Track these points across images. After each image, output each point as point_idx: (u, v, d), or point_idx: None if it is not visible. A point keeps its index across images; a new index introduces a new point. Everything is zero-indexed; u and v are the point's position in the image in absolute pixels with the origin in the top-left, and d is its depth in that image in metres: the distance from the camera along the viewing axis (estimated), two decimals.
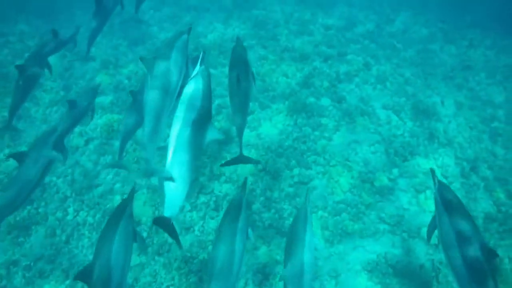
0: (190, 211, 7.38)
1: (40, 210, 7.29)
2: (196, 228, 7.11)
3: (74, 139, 8.83)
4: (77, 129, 8.88)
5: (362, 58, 10.92)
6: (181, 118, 4.32)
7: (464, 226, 4.24)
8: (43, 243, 6.81)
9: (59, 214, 7.25)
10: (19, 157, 5.69)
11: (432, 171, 5.15)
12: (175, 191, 4.08)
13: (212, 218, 7.20)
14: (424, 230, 7.05)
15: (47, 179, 7.65)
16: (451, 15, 14.12)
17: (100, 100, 9.63)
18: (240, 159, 5.39)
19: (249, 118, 8.97)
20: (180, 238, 6.95)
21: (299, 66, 10.39)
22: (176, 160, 4.13)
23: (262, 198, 7.48)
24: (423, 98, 10.13)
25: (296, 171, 7.87)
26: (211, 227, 7.08)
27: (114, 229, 4.35)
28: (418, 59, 11.81)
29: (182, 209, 6.32)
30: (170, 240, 6.93)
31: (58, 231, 6.99)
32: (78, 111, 6.97)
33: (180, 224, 7.19)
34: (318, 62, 10.63)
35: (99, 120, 9.31)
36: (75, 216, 7.25)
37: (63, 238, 6.91)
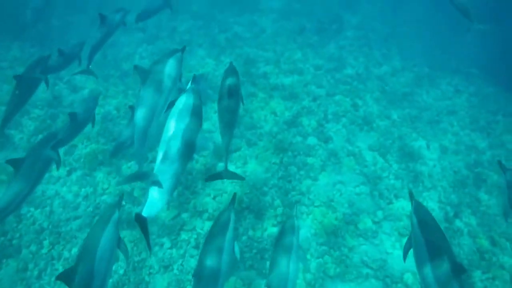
0: (170, 248, 7.22)
1: (14, 242, 7.07)
2: (175, 266, 6.94)
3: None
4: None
5: (350, 99, 11.08)
6: (171, 128, 4.60)
7: (436, 243, 4.45)
8: (13, 278, 6.55)
9: (33, 247, 7.03)
10: (16, 163, 5.70)
11: (410, 192, 5.37)
12: (157, 195, 4.33)
13: (192, 257, 7.04)
14: (407, 276, 7.01)
15: (23, 209, 7.49)
16: (437, 60, 14.49)
17: (85, 130, 9.55)
18: (225, 174, 5.48)
19: (235, 155, 8.98)
20: (158, 276, 6.83)
21: (288, 105, 10.50)
22: (163, 167, 4.40)
23: (244, 237, 7.36)
24: (409, 141, 10.23)
25: (279, 210, 7.79)
26: (191, 265, 6.90)
27: (100, 234, 4.43)
28: (405, 102, 11.99)
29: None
30: (147, 278, 6.75)
31: (30, 265, 6.75)
32: (80, 120, 7.27)
33: (159, 261, 7.01)
34: (307, 101, 10.75)
35: (84, 150, 9.22)
36: (50, 250, 7.03)
37: (35, 273, 6.67)
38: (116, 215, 4.70)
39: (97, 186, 8.36)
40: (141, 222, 4.07)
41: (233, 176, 5.72)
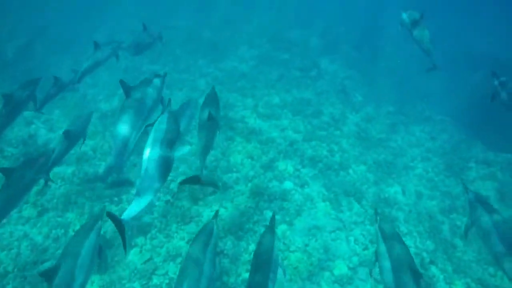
0: None
1: None
2: None
3: (27, 208, 8.50)
4: (31, 199, 8.63)
5: (326, 144, 11.26)
6: (151, 143, 5.20)
7: (397, 252, 5.03)
8: None
9: None
10: (6, 172, 5.99)
11: (375, 210, 6.06)
12: (138, 201, 4.84)
13: None
14: None
15: None
16: (410, 107, 14.99)
17: (60, 170, 9.44)
18: (200, 179, 5.69)
19: (210, 198, 8.92)
20: None
21: (265, 149, 10.60)
22: (146, 178, 4.93)
23: (218, 283, 7.18)
24: (384, 187, 10.36)
25: None
26: None
27: (83, 240, 4.74)
28: (380, 148, 12.23)
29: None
30: None
31: None
32: (72, 138, 7.80)
33: None
34: (284, 146, 10.87)
35: (57, 191, 9.04)
36: None
37: None
38: (99, 224, 5.05)
39: (69, 227, 8.15)
40: (119, 227, 4.45)
41: (210, 182, 6.25)
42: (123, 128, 5.87)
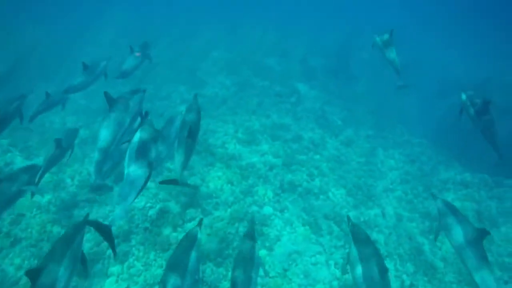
0: None
1: None
2: None
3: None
4: (5, 228, 8.40)
5: (306, 168, 11.32)
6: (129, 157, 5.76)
7: (366, 251, 5.37)
8: None
9: None
10: None
11: (348, 217, 6.43)
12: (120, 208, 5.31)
13: None
14: None
15: None
16: (389, 130, 15.24)
17: (36, 198, 9.24)
18: (178, 181, 6.09)
19: (189, 224, 8.82)
20: None
21: (245, 174, 10.59)
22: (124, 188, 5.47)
23: None
24: (364, 210, 10.42)
25: None
26: None
27: (68, 245, 4.89)
28: (360, 171, 12.36)
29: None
30: None
31: None
32: (59, 150, 8.16)
33: None
34: (264, 171, 10.90)
35: (32, 220, 8.82)
36: None
37: None
38: (83, 232, 5.24)
39: (41, 258, 7.91)
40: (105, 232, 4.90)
41: (186, 184, 6.81)
42: (105, 141, 6.40)
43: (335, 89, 18.47)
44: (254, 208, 9.49)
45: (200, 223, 5.93)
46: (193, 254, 5.24)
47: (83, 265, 5.21)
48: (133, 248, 8.20)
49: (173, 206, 9.25)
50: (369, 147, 13.85)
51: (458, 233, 6.36)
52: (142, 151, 5.76)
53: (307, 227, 9.11)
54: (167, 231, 8.61)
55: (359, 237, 5.70)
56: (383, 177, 12.42)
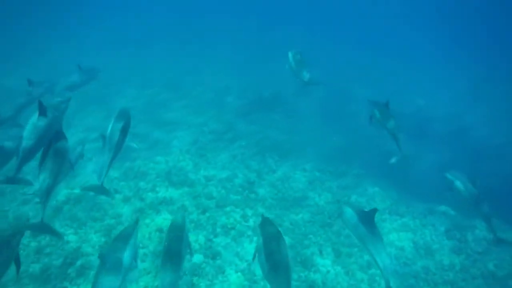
0: None
1: None
2: None
3: None
4: None
5: (240, 209, 10.95)
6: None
7: (271, 242, 5.67)
8: None
9: None
10: None
11: (262, 215, 6.69)
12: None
13: None
14: None
15: None
16: (326, 163, 15.27)
17: None
18: (99, 187, 7.15)
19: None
20: None
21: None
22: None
23: None
24: (300, 249, 10.13)
25: None
26: None
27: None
28: (297, 207, 12.15)
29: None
30: None
31: None
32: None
33: None
34: (196, 215, 10.40)
35: None
36: None
37: None
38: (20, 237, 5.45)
39: None
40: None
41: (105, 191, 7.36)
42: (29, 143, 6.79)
43: (274, 123, 18.43)
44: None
45: (136, 222, 6.52)
46: (130, 243, 5.82)
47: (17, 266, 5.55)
48: None
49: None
50: (306, 181, 13.73)
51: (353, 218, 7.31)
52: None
53: (240, 274, 8.65)
54: None
55: (268, 233, 5.92)
56: (321, 212, 12.24)
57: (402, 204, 13.42)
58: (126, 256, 5.55)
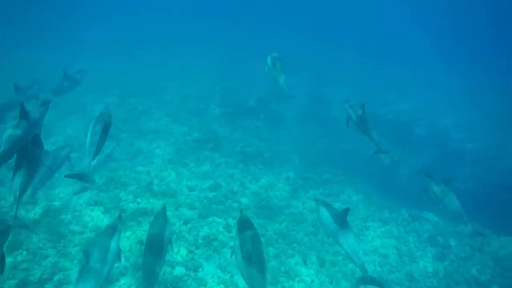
0: None
1: None
2: None
3: None
4: None
5: (223, 219, 10.81)
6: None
7: (246, 239, 5.88)
8: None
9: None
10: None
11: (241, 212, 6.78)
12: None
13: None
14: None
15: None
16: (310, 171, 15.23)
17: None
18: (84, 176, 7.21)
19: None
20: None
21: None
22: None
23: None
24: (284, 259, 10.04)
25: None
26: None
27: None
28: (281, 216, 12.06)
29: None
30: None
31: None
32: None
33: None
34: (178, 226, 10.23)
35: None
36: None
37: None
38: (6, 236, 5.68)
39: None
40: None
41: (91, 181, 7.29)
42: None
43: (257, 132, 18.36)
44: (166, 269, 8.72)
45: (119, 217, 6.85)
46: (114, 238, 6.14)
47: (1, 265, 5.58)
48: None
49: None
50: (290, 190, 13.66)
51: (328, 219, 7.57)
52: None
53: (222, 287, 8.50)
54: None
55: (243, 229, 6.17)
56: (304, 220, 12.18)
57: (386, 210, 13.46)
58: (112, 247, 5.93)
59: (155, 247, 5.92)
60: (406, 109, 21.76)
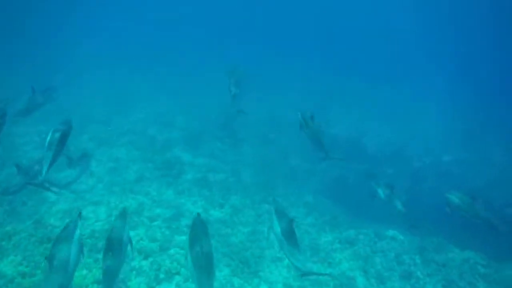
0: None
1: None
2: None
3: None
4: None
5: (186, 251, 10.42)
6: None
7: (197, 250, 6.15)
8: None
9: None
10: None
11: (198, 214, 7.17)
12: None
13: None
14: None
15: None
16: (277, 193, 15.08)
17: None
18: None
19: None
20: None
21: None
22: None
23: None
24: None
25: None
26: None
27: None
28: (247, 243, 11.82)
29: None
30: None
31: None
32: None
33: None
34: (137, 261, 9.79)
35: None
36: None
37: None
38: None
39: None
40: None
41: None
42: None
43: (221, 155, 18.14)
44: None
45: (79, 215, 6.87)
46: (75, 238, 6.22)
47: None
48: None
49: None
50: (255, 215, 13.44)
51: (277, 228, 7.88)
52: None
53: None
54: None
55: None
56: (271, 246, 11.94)
57: (352, 230, 13.40)
58: (73, 253, 5.96)
59: (115, 249, 6.16)
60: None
